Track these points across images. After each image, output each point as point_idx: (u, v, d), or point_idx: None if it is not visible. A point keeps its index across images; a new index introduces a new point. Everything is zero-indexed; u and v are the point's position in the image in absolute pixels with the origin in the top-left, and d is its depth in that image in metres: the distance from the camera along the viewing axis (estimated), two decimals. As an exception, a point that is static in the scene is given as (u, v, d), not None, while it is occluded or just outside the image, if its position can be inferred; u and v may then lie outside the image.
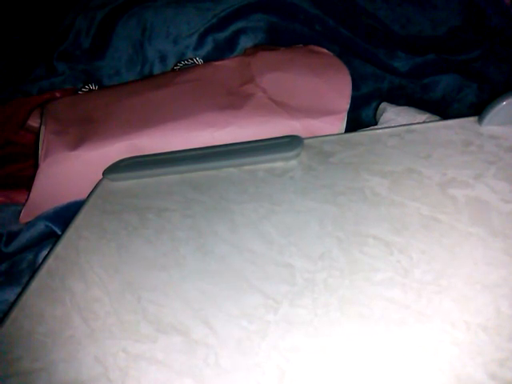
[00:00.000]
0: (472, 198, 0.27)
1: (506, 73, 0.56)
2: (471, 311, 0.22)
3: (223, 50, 0.60)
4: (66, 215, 0.40)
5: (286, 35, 0.59)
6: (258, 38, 0.59)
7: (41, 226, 0.42)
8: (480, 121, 0.33)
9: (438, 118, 0.44)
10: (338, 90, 0.46)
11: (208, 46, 0.61)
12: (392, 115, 0.45)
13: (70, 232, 0.35)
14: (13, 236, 0.43)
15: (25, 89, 0.64)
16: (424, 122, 0.38)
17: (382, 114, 0.47)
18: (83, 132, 0.45)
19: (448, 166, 0.30)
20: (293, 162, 0.35)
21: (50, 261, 0.33)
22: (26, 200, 0.44)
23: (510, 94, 0.31)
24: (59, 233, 0.41)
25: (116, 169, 0.40)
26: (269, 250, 0.28)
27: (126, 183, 0.39)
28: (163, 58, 0.62)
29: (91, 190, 0.40)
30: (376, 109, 0.50)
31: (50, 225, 0.42)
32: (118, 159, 0.41)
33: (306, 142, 0.37)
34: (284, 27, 0.59)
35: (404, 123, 0.42)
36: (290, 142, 0.36)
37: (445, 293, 0.23)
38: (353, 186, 0.31)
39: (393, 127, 0.36)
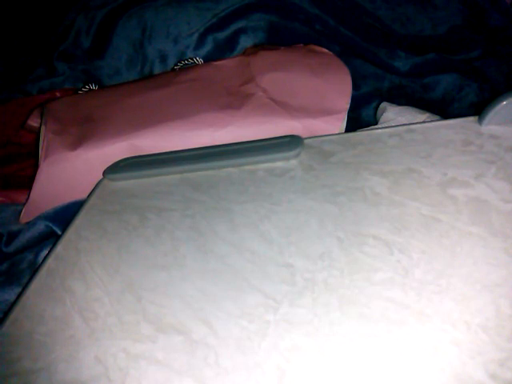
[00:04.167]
0: (472, 197, 0.27)
1: (506, 72, 0.56)
2: (471, 311, 0.22)
3: (223, 50, 0.60)
4: (66, 215, 0.40)
5: (286, 35, 0.59)
6: (258, 37, 0.59)
7: (41, 226, 0.42)
8: (480, 120, 0.33)
9: (438, 117, 0.44)
10: (338, 89, 0.46)
11: (208, 45, 0.61)
12: (392, 115, 0.45)
13: (70, 232, 0.35)
14: (13, 236, 0.43)
15: (25, 89, 0.64)
16: (424, 122, 0.38)
17: (382, 114, 0.47)
18: (83, 132, 0.45)
19: (448, 166, 0.30)
20: (293, 162, 0.35)
21: (50, 261, 0.33)
22: (27, 200, 0.44)
23: (511, 93, 0.31)
24: (59, 233, 0.41)
25: (116, 169, 0.40)
26: (269, 250, 0.28)
27: (126, 183, 0.39)
28: (163, 58, 0.62)
29: (91, 190, 0.40)
30: (376, 108, 0.50)
31: (50, 225, 0.42)
32: (118, 159, 0.41)
33: (306, 141, 0.36)
34: (284, 27, 0.59)
35: (404, 123, 0.42)
36: (290, 142, 0.36)
37: (445, 293, 0.23)
38: (353, 185, 0.31)
39: (393, 127, 0.36)
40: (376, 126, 0.45)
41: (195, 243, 0.30)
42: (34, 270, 0.36)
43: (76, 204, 0.41)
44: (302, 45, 0.56)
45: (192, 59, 0.58)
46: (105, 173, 0.40)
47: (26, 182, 0.47)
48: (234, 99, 0.45)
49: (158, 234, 0.32)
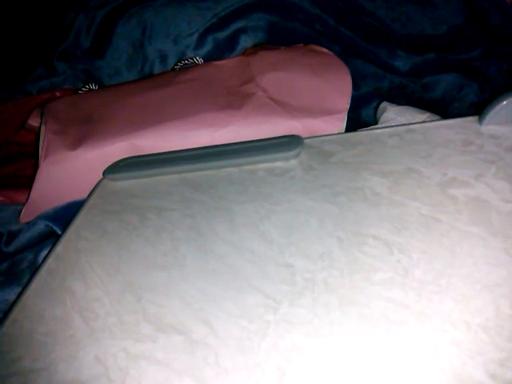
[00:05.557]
0: (472, 197, 0.27)
1: (506, 72, 0.56)
2: (471, 311, 0.22)
3: (223, 50, 0.60)
4: (66, 215, 0.40)
5: (287, 34, 0.59)
6: (258, 37, 0.59)
7: (41, 226, 0.42)
8: (480, 120, 0.33)
9: (438, 117, 0.44)
10: (338, 89, 0.45)
11: (208, 45, 0.61)
12: (392, 115, 0.45)
13: (70, 232, 0.35)
14: (13, 236, 0.43)
15: (25, 89, 0.64)
16: (424, 122, 0.38)
17: (382, 114, 0.47)
18: (83, 132, 0.45)
19: (448, 166, 0.30)
20: (293, 162, 0.35)
21: (50, 261, 0.33)
22: (27, 200, 0.44)
23: (511, 93, 0.31)
24: (59, 233, 0.41)
25: (116, 169, 0.40)
26: (269, 250, 0.28)
27: (126, 183, 0.39)
28: (163, 58, 0.62)
29: (91, 189, 0.40)
30: (376, 108, 0.50)
31: (50, 224, 0.42)
32: (117, 159, 0.41)
33: (306, 141, 0.36)
34: (284, 26, 0.59)
35: (404, 123, 0.42)
36: (290, 142, 0.36)
37: (445, 293, 0.23)
38: (353, 185, 0.31)
39: (393, 127, 0.36)
40: (376, 126, 0.45)
41: (195, 243, 0.30)
42: (34, 269, 0.36)
43: (76, 204, 0.41)
44: (302, 45, 0.56)
45: (192, 59, 0.58)
46: (105, 173, 0.40)
47: (26, 182, 0.47)
48: (234, 99, 0.45)
49: (158, 234, 0.32)
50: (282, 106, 0.44)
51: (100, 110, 0.48)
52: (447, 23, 0.61)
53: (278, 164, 0.35)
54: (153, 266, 0.30)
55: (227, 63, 0.51)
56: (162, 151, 0.41)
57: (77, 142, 0.44)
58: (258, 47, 0.58)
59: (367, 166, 0.32)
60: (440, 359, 0.20)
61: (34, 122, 0.55)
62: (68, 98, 0.54)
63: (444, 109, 0.53)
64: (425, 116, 0.44)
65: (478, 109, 0.33)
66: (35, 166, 0.45)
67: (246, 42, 0.59)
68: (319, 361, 0.22)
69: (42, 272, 0.32)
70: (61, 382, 0.24)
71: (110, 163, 0.41)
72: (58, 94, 0.63)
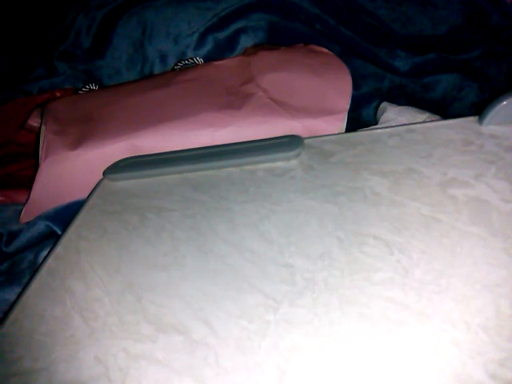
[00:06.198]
0: (472, 197, 0.27)
1: (506, 72, 0.56)
2: (471, 311, 0.22)
3: (223, 50, 0.60)
4: (66, 215, 0.40)
5: (287, 34, 0.59)
6: (259, 37, 0.59)
7: (41, 226, 0.42)
8: (480, 120, 0.33)
9: (438, 117, 0.44)
10: (338, 89, 0.45)
11: (208, 45, 0.61)
12: (392, 115, 0.45)
13: (70, 232, 0.35)
14: (13, 236, 0.43)
15: (25, 89, 0.64)
16: (424, 122, 0.38)
17: (382, 114, 0.47)
18: (83, 132, 0.45)
19: (448, 166, 0.30)
20: (293, 162, 0.35)
21: (50, 261, 0.33)
22: (27, 200, 0.44)
23: (511, 93, 0.31)
24: (59, 233, 0.41)
25: (116, 169, 0.40)
26: (269, 250, 0.28)
27: (126, 183, 0.39)
28: (163, 58, 0.62)
29: (91, 189, 0.40)
30: (376, 108, 0.50)
31: (51, 225, 0.42)
32: (118, 159, 0.41)
33: (306, 141, 0.36)
34: (284, 26, 0.59)
35: (404, 123, 0.42)
36: (290, 142, 0.36)
37: (445, 293, 0.23)
38: (353, 185, 0.31)
39: (393, 127, 0.36)
40: (376, 126, 0.45)
41: (195, 243, 0.30)
42: (34, 269, 0.36)
43: (76, 204, 0.41)
44: (302, 45, 0.56)
45: (192, 59, 0.58)
46: (105, 173, 0.40)
47: (26, 182, 0.47)
48: (234, 99, 0.45)
49: (158, 234, 0.32)
50: (283, 106, 0.44)
51: (100, 110, 0.48)
52: (447, 23, 0.61)
53: (279, 164, 0.35)
54: (153, 266, 0.30)
55: (227, 63, 0.51)
56: (162, 151, 0.41)
57: (77, 142, 0.44)
58: (258, 47, 0.58)
59: (367, 166, 0.32)
60: (440, 359, 0.20)
61: (34, 122, 0.55)
62: (68, 98, 0.54)
63: (444, 109, 0.53)
64: (425, 116, 0.44)
65: (478, 109, 0.33)
66: (35, 166, 0.45)
67: (246, 41, 0.59)
68: (319, 361, 0.22)
69: (42, 272, 0.32)
70: (61, 382, 0.24)
71: (110, 163, 0.41)
72: (58, 94, 0.63)
